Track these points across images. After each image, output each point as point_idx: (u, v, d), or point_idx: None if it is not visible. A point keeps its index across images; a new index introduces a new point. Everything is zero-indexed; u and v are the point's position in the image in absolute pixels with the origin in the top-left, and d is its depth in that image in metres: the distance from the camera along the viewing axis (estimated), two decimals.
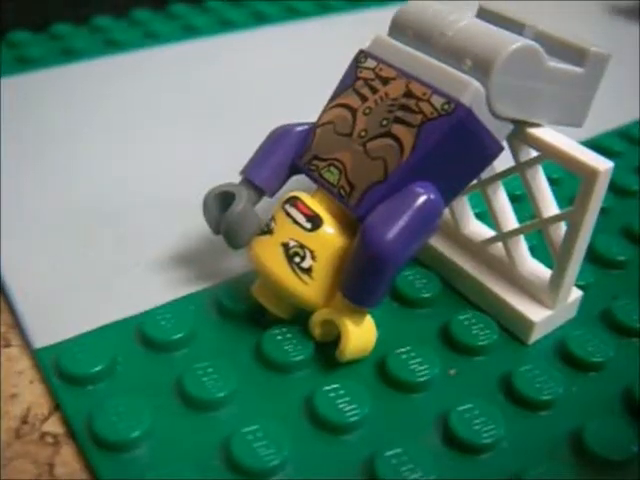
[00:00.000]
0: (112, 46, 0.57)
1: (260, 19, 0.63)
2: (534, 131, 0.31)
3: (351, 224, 0.30)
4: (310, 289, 0.30)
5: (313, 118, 0.33)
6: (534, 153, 0.32)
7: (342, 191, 0.30)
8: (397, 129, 0.29)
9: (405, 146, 0.29)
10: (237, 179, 0.33)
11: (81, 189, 0.41)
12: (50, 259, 0.36)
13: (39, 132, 0.46)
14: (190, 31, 0.60)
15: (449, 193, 0.30)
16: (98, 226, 0.38)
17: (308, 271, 0.30)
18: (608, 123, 0.49)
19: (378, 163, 0.29)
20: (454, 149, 0.29)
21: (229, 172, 0.34)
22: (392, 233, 0.28)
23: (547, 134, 0.31)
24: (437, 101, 0.29)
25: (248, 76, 0.54)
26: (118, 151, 0.44)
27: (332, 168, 0.31)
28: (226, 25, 0.62)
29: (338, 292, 0.30)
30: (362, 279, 0.29)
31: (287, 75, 0.54)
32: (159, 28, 0.60)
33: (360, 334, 0.30)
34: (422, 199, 0.28)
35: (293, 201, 0.31)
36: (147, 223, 0.38)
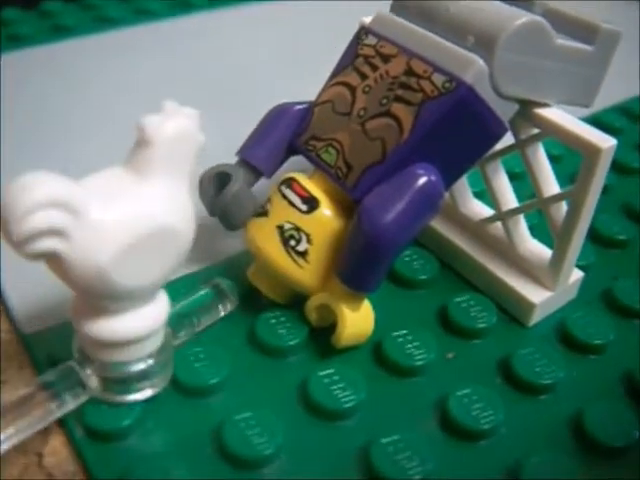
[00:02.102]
0: (104, 23, 0.56)
1: None
2: (535, 108, 0.30)
3: (349, 206, 0.29)
4: (306, 273, 0.29)
5: (312, 96, 0.32)
6: (534, 130, 0.31)
7: (339, 172, 0.29)
8: (397, 108, 0.29)
9: (404, 126, 0.28)
10: (234, 160, 0.33)
11: (74, 169, 0.40)
12: None
13: (31, 110, 0.45)
14: (184, 7, 0.59)
15: (451, 175, 0.29)
16: None
17: (304, 254, 0.29)
18: (608, 99, 0.49)
19: (376, 143, 0.29)
20: (455, 129, 0.28)
21: (225, 153, 0.33)
22: (389, 216, 0.27)
23: (548, 111, 0.30)
24: (438, 79, 0.28)
25: (244, 53, 0.53)
26: (111, 129, 0.43)
27: (330, 148, 0.30)
28: (222, 1, 0.60)
29: (334, 276, 0.29)
30: (358, 263, 0.28)
31: (285, 52, 0.53)
32: (151, 4, 0.59)
33: (357, 320, 0.29)
34: (422, 181, 0.28)
35: (289, 182, 0.30)
36: None
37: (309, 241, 0.29)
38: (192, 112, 0.25)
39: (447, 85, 0.28)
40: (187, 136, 0.25)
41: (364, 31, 0.31)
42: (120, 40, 0.54)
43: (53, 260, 0.23)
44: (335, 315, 0.29)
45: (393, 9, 0.32)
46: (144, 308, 0.26)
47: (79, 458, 0.26)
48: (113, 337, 0.25)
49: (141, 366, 0.27)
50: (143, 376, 0.27)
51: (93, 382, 0.26)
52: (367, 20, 0.32)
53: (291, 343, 0.30)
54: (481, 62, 0.27)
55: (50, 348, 0.29)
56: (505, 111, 0.29)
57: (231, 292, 0.31)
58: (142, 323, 0.26)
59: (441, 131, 0.28)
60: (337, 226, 0.29)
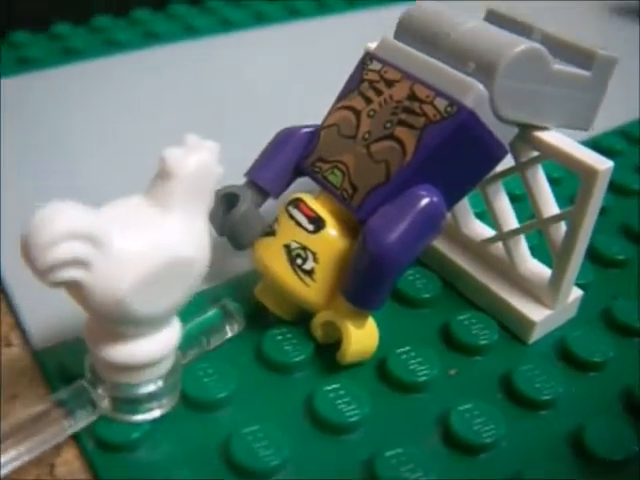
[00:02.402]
0: (112, 46, 0.57)
1: (260, 19, 0.63)
2: (534, 131, 0.31)
3: (354, 226, 0.30)
4: (312, 291, 0.30)
5: (317, 119, 0.33)
6: (534, 153, 0.32)
7: (345, 193, 0.30)
8: (400, 132, 0.29)
9: (407, 149, 0.29)
10: (240, 181, 0.33)
11: (82, 189, 0.41)
12: None
13: (40, 132, 0.45)
14: (190, 31, 0.60)
15: (453, 196, 0.30)
16: None
17: (310, 273, 0.30)
18: (608, 122, 0.50)
19: (381, 166, 0.29)
20: (457, 152, 0.29)
21: (232, 174, 0.33)
22: (394, 236, 0.28)
23: (547, 134, 0.31)
24: (440, 104, 0.29)
25: (250, 77, 0.53)
26: (119, 152, 0.44)
27: (336, 170, 0.31)
28: (226, 25, 0.61)
29: (340, 294, 0.30)
30: (363, 282, 0.29)
31: (289, 76, 0.54)
32: (159, 28, 0.60)
33: (362, 337, 0.30)
34: (424, 202, 0.28)
35: (296, 203, 0.31)
36: None
37: (315, 260, 0.30)
38: (213, 145, 0.26)
39: (449, 109, 0.28)
40: (208, 170, 0.26)
41: (369, 57, 0.32)
42: (128, 63, 0.54)
43: (73, 287, 0.24)
44: (340, 332, 0.30)
45: (397, 35, 0.32)
46: (158, 333, 0.27)
47: (90, 469, 0.27)
48: (127, 361, 0.26)
49: (151, 388, 0.27)
50: (152, 397, 0.28)
51: (104, 402, 0.27)
52: (372, 46, 0.33)
53: (297, 359, 0.30)
54: (481, 87, 0.28)
55: (61, 363, 0.30)
56: (505, 134, 0.30)
57: (238, 313, 0.31)
58: (156, 347, 0.26)
59: (443, 154, 0.29)
60: (342, 245, 0.30)
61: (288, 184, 0.34)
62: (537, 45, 0.29)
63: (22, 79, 0.51)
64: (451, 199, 0.30)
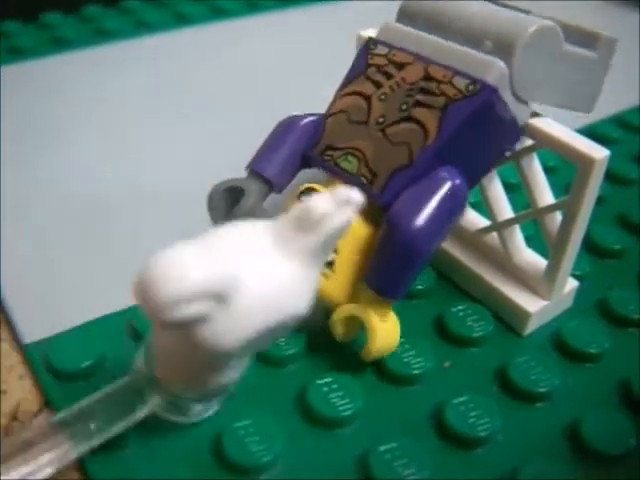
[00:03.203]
0: (103, 35, 0.56)
1: (253, 7, 0.62)
2: (530, 119, 0.30)
3: (371, 213, 0.29)
4: (331, 284, 0.29)
5: (317, 107, 0.32)
6: (529, 141, 0.31)
7: (364, 179, 0.30)
8: (419, 112, 0.29)
9: (429, 129, 0.28)
10: (237, 173, 0.32)
11: (75, 182, 0.40)
12: (41, 253, 0.35)
13: (30, 122, 0.45)
14: (182, 20, 0.59)
15: (472, 178, 0.30)
16: (92, 220, 0.37)
17: (330, 265, 0.29)
18: (605, 110, 0.49)
19: (402, 148, 0.29)
20: (479, 131, 0.29)
21: (229, 165, 0.33)
22: (421, 220, 0.27)
23: (542, 122, 0.30)
24: (460, 82, 0.28)
25: (245, 65, 0.53)
26: (113, 143, 0.44)
27: (349, 157, 0.30)
28: (219, 13, 0.61)
29: (362, 285, 0.29)
30: (390, 269, 0.28)
31: (285, 64, 0.54)
32: (150, 17, 0.59)
33: (387, 330, 0.29)
34: (447, 185, 0.28)
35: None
36: (145, 218, 0.38)
37: (335, 250, 0.29)
38: (359, 200, 0.24)
39: (471, 88, 0.28)
40: (347, 229, 0.24)
41: (372, 41, 0.32)
42: (120, 53, 0.54)
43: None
44: (361, 326, 0.29)
45: (399, 20, 0.32)
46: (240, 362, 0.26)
47: (79, 467, 0.26)
48: (212, 387, 0.26)
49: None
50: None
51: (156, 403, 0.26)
52: (365, 33, 0.32)
53: (289, 352, 0.30)
54: (502, 65, 0.28)
55: (49, 358, 0.29)
56: (522, 114, 0.30)
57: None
58: (234, 375, 0.26)
59: (466, 133, 0.28)
60: (362, 234, 0.29)
61: (294, 175, 0.32)
62: (552, 23, 0.28)
63: (11, 69, 0.51)
64: (471, 180, 0.29)
